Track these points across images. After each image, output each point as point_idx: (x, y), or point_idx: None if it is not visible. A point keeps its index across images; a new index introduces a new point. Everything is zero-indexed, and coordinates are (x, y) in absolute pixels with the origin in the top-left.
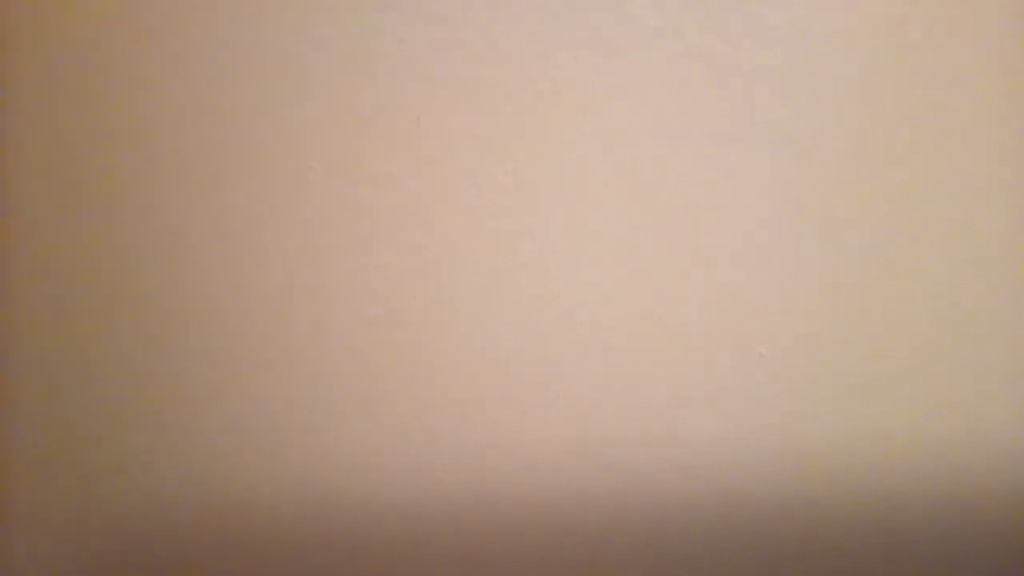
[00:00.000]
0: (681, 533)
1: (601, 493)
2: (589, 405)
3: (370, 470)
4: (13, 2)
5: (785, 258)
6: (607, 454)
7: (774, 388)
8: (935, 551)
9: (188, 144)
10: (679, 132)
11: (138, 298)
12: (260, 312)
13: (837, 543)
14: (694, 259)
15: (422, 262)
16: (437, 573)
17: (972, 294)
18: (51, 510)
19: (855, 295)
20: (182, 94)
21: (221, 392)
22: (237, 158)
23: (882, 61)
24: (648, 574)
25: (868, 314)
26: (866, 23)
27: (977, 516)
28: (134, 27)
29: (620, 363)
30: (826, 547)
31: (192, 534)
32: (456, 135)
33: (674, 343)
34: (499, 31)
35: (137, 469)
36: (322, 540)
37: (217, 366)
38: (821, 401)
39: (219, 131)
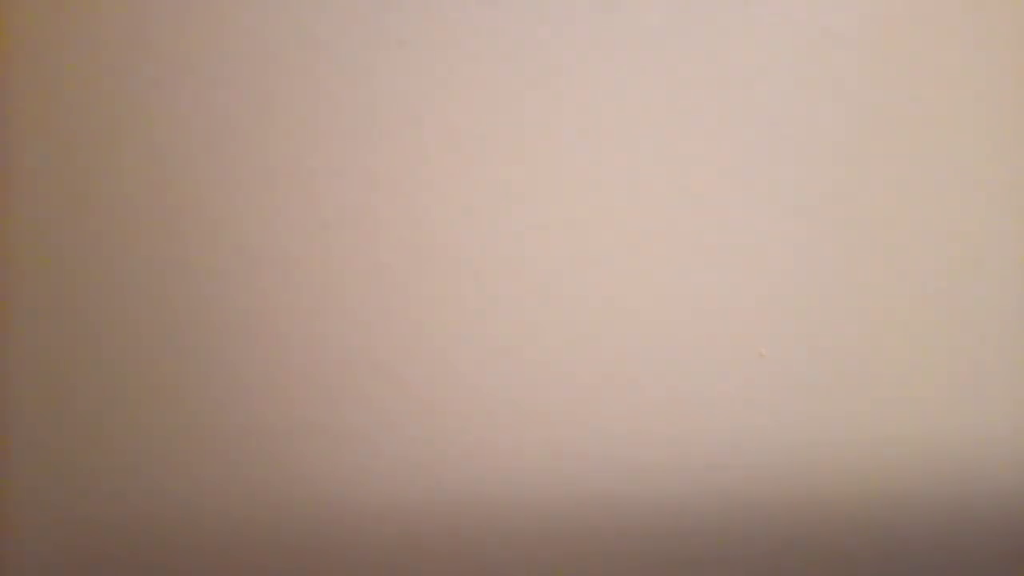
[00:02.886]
0: (681, 533)
1: (601, 493)
2: (589, 405)
3: (370, 471)
4: (13, 2)
5: (785, 258)
6: (607, 454)
7: (774, 388)
8: (935, 551)
9: (188, 145)
10: (679, 132)
11: (138, 298)
12: (260, 312)
13: (837, 543)
14: (694, 259)
15: (422, 262)
16: (437, 574)
17: (972, 294)
18: (51, 510)
19: (855, 295)
20: (182, 95)
21: (221, 393)
22: (237, 159)
23: (882, 61)
24: (648, 574)
25: (868, 314)
26: (865, 23)
27: (977, 516)
28: (134, 28)
29: (620, 363)
30: (826, 547)
31: (193, 535)
32: (456, 135)
33: (674, 343)
34: (499, 31)
35: (137, 470)
36: (322, 541)
37: (217, 366)
38: (821, 401)
39: (219, 132)
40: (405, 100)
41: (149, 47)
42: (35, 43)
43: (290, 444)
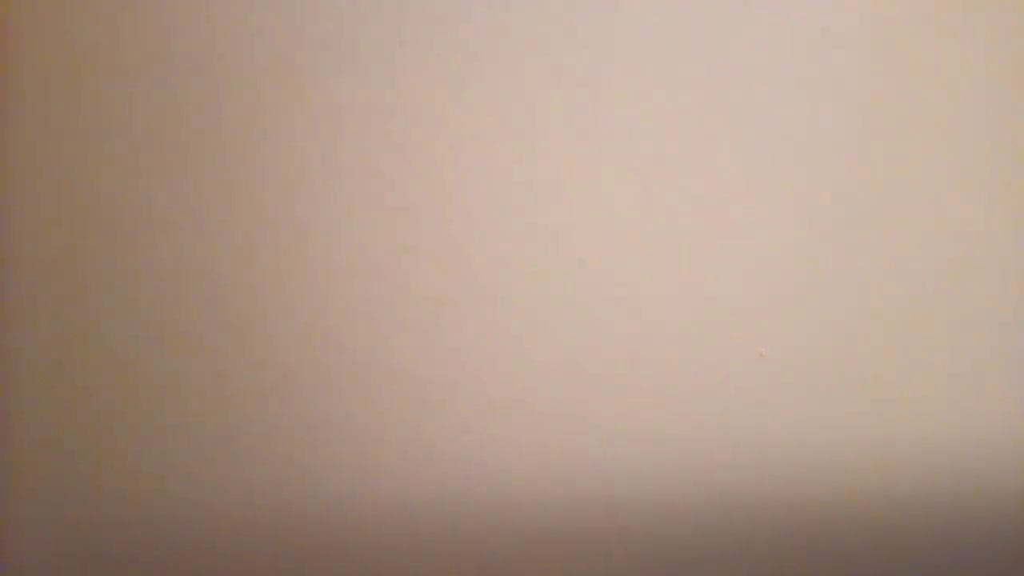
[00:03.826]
0: (680, 533)
1: (601, 494)
2: (589, 405)
3: (371, 471)
4: (13, 2)
5: (785, 258)
6: (607, 454)
7: (774, 388)
8: (935, 551)
9: (188, 145)
10: (679, 132)
11: (138, 298)
12: (260, 312)
13: (837, 543)
14: (694, 259)
15: (422, 262)
16: (437, 574)
17: (972, 294)
18: (51, 510)
19: (855, 295)
20: (183, 94)
21: (221, 392)
22: (237, 158)
23: (882, 61)
24: (648, 574)
25: (868, 314)
26: (865, 23)
27: (977, 516)
28: (134, 28)
29: (620, 363)
30: (826, 547)
31: (193, 535)
32: (456, 135)
33: (674, 343)
34: (499, 31)
35: (137, 470)
36: (322, 541)
37: (216, 366)
38: (821, 401)
39: (219, 131)
40: (405, 100)
41: (149, 47)
42: (35, 43)
43: (290, 444)
